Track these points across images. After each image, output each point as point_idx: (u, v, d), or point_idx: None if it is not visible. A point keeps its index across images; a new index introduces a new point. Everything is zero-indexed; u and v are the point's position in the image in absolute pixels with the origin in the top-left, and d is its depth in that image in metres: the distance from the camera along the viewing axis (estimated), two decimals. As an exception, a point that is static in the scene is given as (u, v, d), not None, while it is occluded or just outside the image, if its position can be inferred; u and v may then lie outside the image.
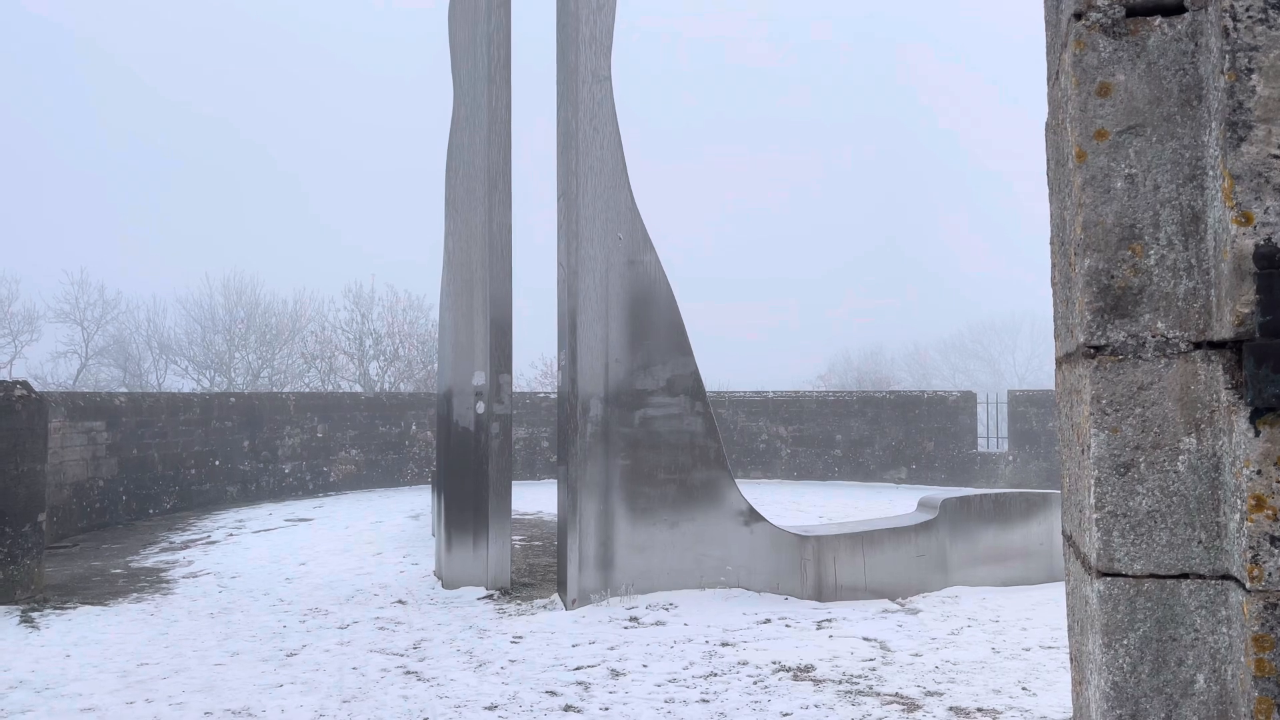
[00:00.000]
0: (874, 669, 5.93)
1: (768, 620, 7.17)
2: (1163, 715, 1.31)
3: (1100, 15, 1.34)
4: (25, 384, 8.11)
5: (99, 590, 8.65)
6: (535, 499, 15.20)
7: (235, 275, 37.65)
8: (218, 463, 15.70)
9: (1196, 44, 1.26)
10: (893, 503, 14.65)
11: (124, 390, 19.77)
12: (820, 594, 7.81)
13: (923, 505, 8.64)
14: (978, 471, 18.34)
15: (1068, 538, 1.71)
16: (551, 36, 8.44)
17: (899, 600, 7.83)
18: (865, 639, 6.63)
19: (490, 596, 8.09)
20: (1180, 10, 1.32)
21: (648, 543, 7.90)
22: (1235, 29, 1.19)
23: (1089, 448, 1.36)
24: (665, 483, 7.96)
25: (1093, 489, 1.35)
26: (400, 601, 7.99)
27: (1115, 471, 1.33)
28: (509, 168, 8.48)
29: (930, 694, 5.44)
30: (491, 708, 5.25)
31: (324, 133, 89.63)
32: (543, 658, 6.24)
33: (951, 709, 5.18)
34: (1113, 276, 1.33)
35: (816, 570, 7.82)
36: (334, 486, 17.61)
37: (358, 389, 33.40)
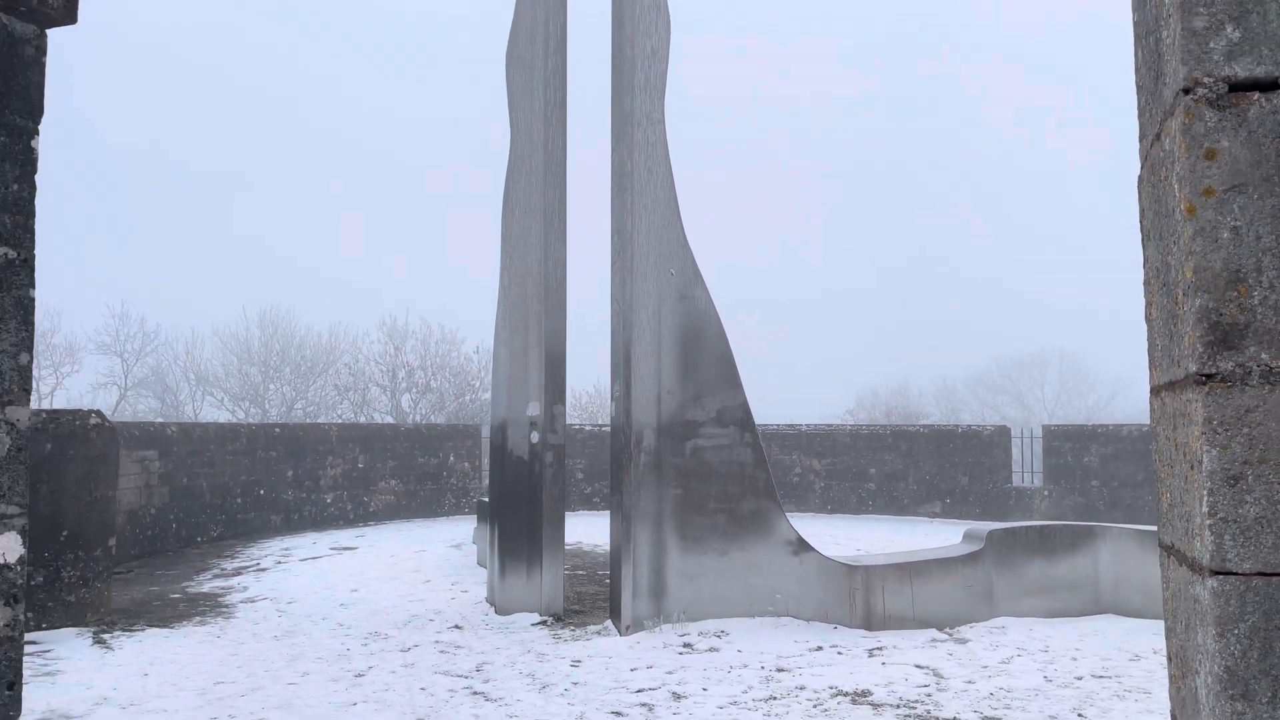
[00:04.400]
0: (929, 695, 6.06)
1: (819, 648, 7.31)
2: (1269, 694, 1.50)
3: (1205, 90, 1.57)
4: (99, 413, 8.43)
5: (163, 613, 8.91)
6: (573, 529, 15.35)
7: (271, 308, 38.31)
8: (262, 492, 16.01)
9: (1290, 115, 1.49)
10: (928, 537, 14.71)
11: (175, 422, 20.15)
12: (869, 623, 7.94)
13: (969, 536, 8.77)
14: (1012, 506, 18.35)
15: (1168, 548, 1.91)
16: (605, 78, 8.76)
17: (946, 630, 7.94)
18: (918, 666, 6.76)
19: (544, 622, 8.27)
20: (1275, 86, 1.54)
21: (699, 571, 8.07)
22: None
23: (1200, 463, 1.56)
24: (715, 512, 8.14)
25: (1205, 499, 1.55)
26: (457, 626, 8.19)
27: (1226, 483, 1.54)
28: (564, 206, 8.77)
29: (987, 719, 5.57)
30: (561, 727, 5.43)
31: (362, 167, 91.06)
32: (603, 680, 6.41)
33: (1010, 733, 5.31)
34: (1221, 314, 1.54)
35: (865, 599, 7.96)
36: (374, 516, 17.87)
37: (389, 420, 33.81)
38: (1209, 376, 1.54)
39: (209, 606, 9.30)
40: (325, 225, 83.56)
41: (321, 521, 16.99)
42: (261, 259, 69.17)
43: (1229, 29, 1.57)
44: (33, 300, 2.92)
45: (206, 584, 10.75)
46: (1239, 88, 1.55)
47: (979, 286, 72.60)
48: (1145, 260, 2.02)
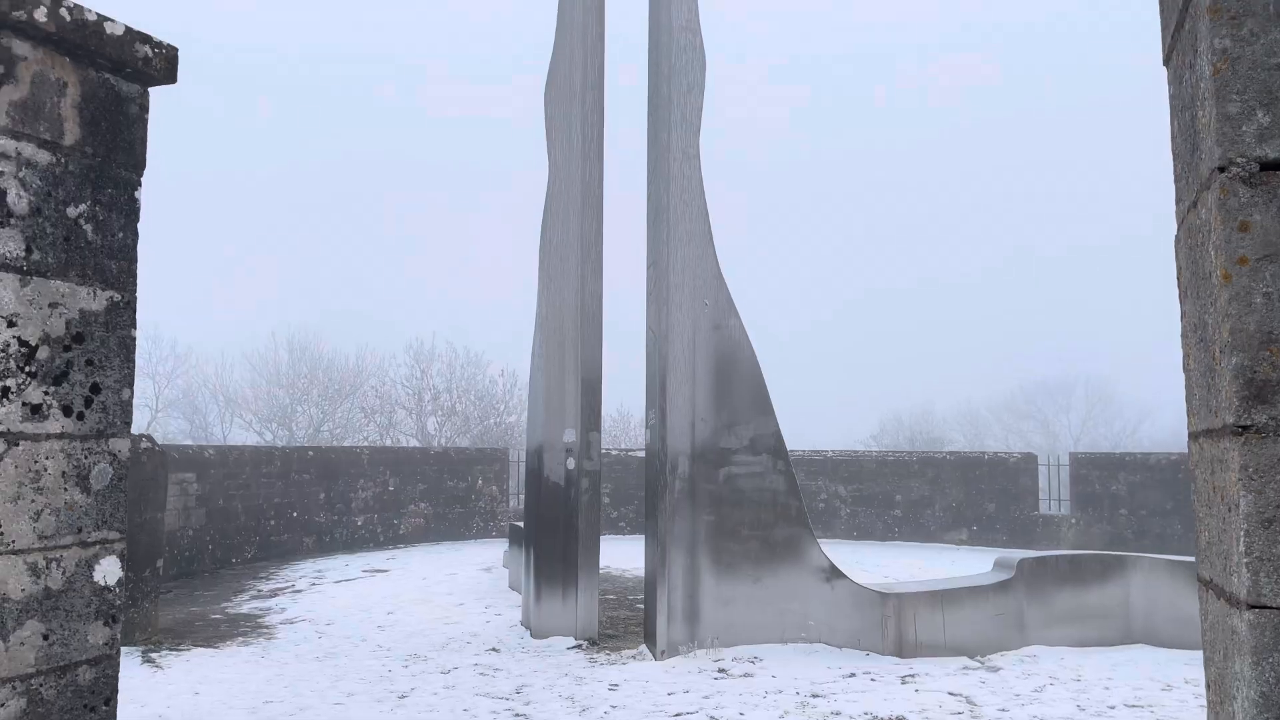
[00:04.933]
0: (963, 722, 6.16)
1: (852, 674, 7.41)
2: (1303, 719, 1.65)
3: (1239, 169, 1.73)
4: (149, 437, 8.69)
5: (206, 634, 9.12)
6: (601, 554, 15.48)
7: (300, 331, 38.81)
8: (295, 514, 16.26)
9: (1316, 191, 1.66)
10: (956, 564, 14.74)
11: (212, 445, 20.44)
12: (901, 650, 8.03)
13: (999, 565, 8.85)
14: (1039, 534, 18.32)
15: (1207, 582, 2.05)
16: (642, 111, 8.99)
17: (978, 658, 8.02)
18: (951, 694, 6.85)
19: (579, 646, 8.42)
20: (1303, 166, 1.71)
21: (732, 597, 8.20)
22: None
23: (1238, 506, 1.72)
24: (748, 539, 8.28)
25: (1242, 539, 1.70)
26: (494, 649, 8.35)
27: (1261, 525, 1.69)
28: (600, 238, 8.99)
29: (1022, 746, 5.66)
30: (604, 749, 5.57)
31: (391, 194, 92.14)
32: (641, 704, 6.55)
33: (1044, 760, 5.40)
34: (1255, 372, 1.70)
35: (897, 627, 8.05)
36: (404, 539, 18.08)
37: (414, 443, 34.10)
38: (1245, 428, 1.70)
39: (250, 627, 9.51)
40: (359, 249, 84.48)
41: (352, 544, 17.21)
42: (293, 282, 70.01)
43: (1260, 114, 1.74)
44: (134, 340, 3.15)
45: (245, 605, 10.97)
46: (1269, 167, 1.72)
47: (1003, 311, 72.38)
48: (1183, 315, 2.18)
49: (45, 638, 2.79)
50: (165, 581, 12.79)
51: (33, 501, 2.76)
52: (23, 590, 2.74)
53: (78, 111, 2.94)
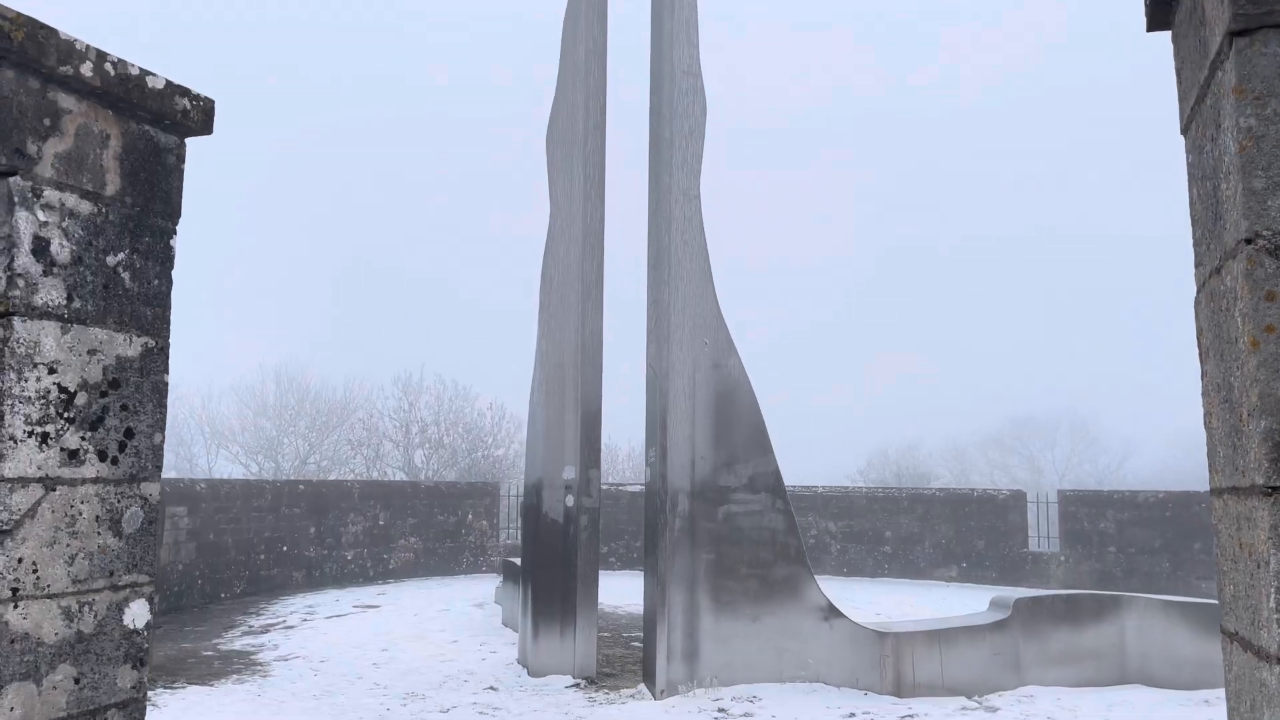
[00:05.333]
0: (965, 763, 6.18)
1: (852, 714, 7.42)
2: (1332, 769, 1.71)
3: (1265, 241, 1.82)
4: (147, 472, 8.67)
5: (199, 671, 9.04)
6: (594, 590, 15.46)
7: (288, 363, 38.71)
8: (285, 548, 16.15)
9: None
10: (946, 602, 14.77)
11: (204, 479, 20.35)
12: (899, 690, 8.05)
13: (995, 604, 8.90)
14: (1029, 571, 18.38)
15: (1232, 635, 2.12)
16: (643, 150, 9.12)
17: (975, 698, 8.05)
18: (951, 734, 6.87)
19: (578, 685, 8.39)
20: (1325, 240, 1.80)
21: (730, 635, 8.21)
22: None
23: (1268, 564, 1.79)
24: (747, 577, 8.31)
25: (1273, 595, 1.77)
26: (491, 688, 8.32)
27: (1291, 582, 1.76)
28: (601, 277, 9.09)
29: (1025, 788, 5.69)
30: (609, 790, 5.57)
31: (379, 229, 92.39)
32: (643, 745, 6.54)
33: (1048, 802, 5.43)
34: (1284, 435, 1.79)
35: (896, 666, 8.08)
36: (393, 574, 17.97)
37: (401, 476, 33.96)
38: (1274, 489, 1.78)
39: (244, 664, 9.44)
40: (344, 278, 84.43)
41: (342, 578, 17.10)
42: (280, 311, 69.89)
43: (1284, 190, 1.83)
44: (166, 385, 3.20)
45: (237, 641, 10.88)
46: (1294, 240, 1.81)
47: (987, 347, 72.90)
48: (1204, 374, 2.27)
49: (77, 681, 2.81)
50: (156, 617, 12.67)
51: (68, 546, 2.79)
52: (56, 634, 2.76)
53: (119, 162, 3.00)
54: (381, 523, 17.99)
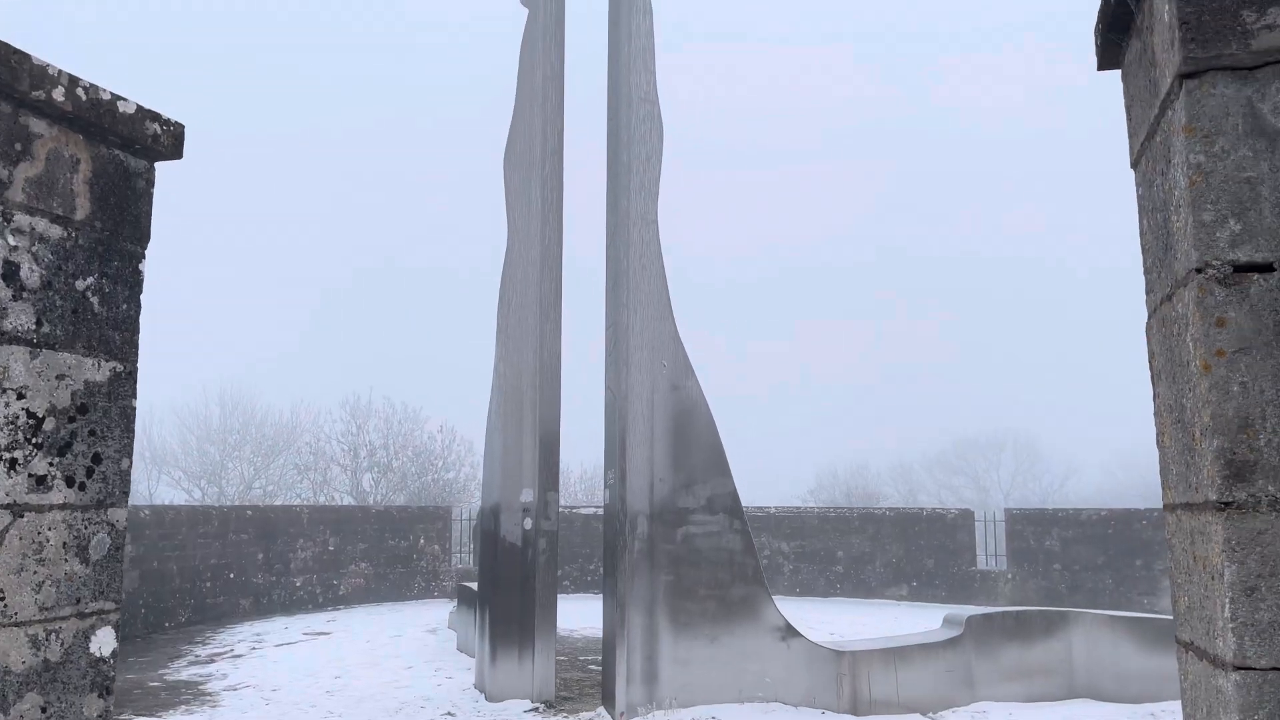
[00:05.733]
0: (923, 779, 6.27)
1: (810, 733, 7.49)
2: (1286, 770, 1.81)
3: (1214, 271, 1.94)
4: (95, 498, 8.48)
5: (147, 702, 8.83)
6: (548, 614, 15.38)
7: (232, 386, 38.03)
8: (232, 575, 15.84)
9: (1281, 292, 1.87)
10: (898, 620, 14.94)
11: (148, 505, 19.90)
12: (855, 708, 8.13)
13: (948, 622, 9.04)
14: (977, 589, 18.67)
15: (1187, 644, 2.22)
16: (601, 175, 9.21)
17: (930, 714, 8.16)
18: (908, 751, 6.97)
19: (536, 709, 8.36)
20: (1271, 269, 1.91)
21: (689, 657, 8.24)
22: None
23: (1222, 575, 1.89)
24: (706, 598, 8.35)
25: (1227, 606, 1.87)
26: (449, 714, 8.24)
27: (1244, 593, 1.86)
28: (559, 299, 9.12)
29: (981, 802, 5.79)
30: (572, 814, 5.55)
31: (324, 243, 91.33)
32: (605, 768, 6.53)
33: (1004, 816, 5.53)
34: (1234, 453, 1.88)
35: (852, 685, 8.17)
36: (344, 600, 17.70)
37: (349, 500, 33.48)
38: (1227, 504, 1.88)
39: (192, 695, 9.24)
40: (288, 302, 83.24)
41: (291, 605, 16.80)
42: (221, 335, 68.63)
43: (1231, 222, 1.95)
44: (134, 410, 3.18)
45: (184, 671, 10.64)
46: (1241, 269, 1.93)
47: (935, 369, 74.09)
48: (1156, 395, 2.38)
49: (44, 710, 2.77)
50: (97, 647, 12.34)
51: (35, 573, 2.75)
52: (23, 663, 2.72)
53: (89, 187, 2.99)
54: (331, 548, 17.73)
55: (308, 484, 35.67)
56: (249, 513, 16.76)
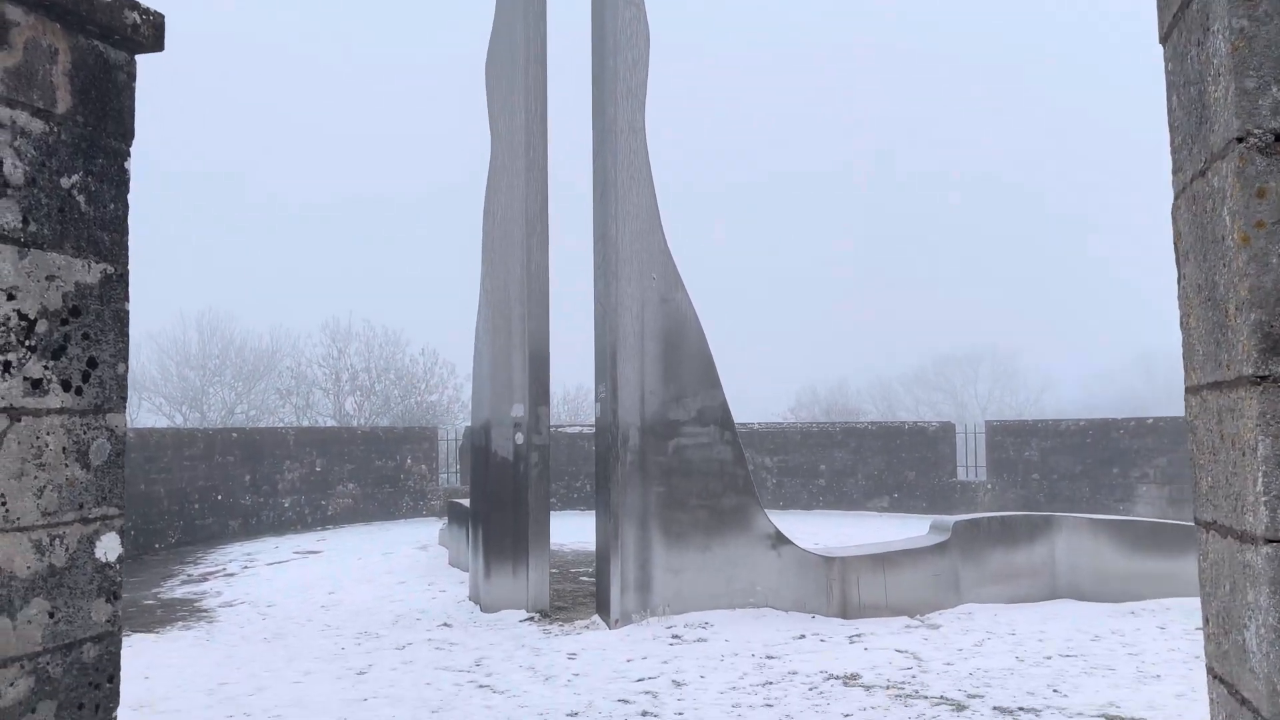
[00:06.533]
0: (914, 676, 6.42)
1: (802, 636, 7.64)
2: (1315, 641, 1.83)
3: (1256, 140, 1.88)
4: (80, 419, 8.39)
5: (144, 619, 8.89)
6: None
7: (210, 311, 37.63)
8: (220, 497, 15.86)
9: (1325, 159, 1.82)
10: (880, 530, 15.20)
11: (132, 428, 19.72)
12: (845, 612, 8.30)
13: (935, 528, 9.19)
14: (958, 500, 18.99)
15: (1209, 524, 2.23)
16: (586, 86, 8.98)
17: (918, 617, 8.34)
18: (898, 650, 7.13)
19: (532, 619, 8.47)
20: (1313, 138, 1.87)
21: (681, 565, 8.35)
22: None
23: (1255, 450, 1.88)
24: (697, 509, 8.43)
25: (1260, 479, 1.86)
26: (446, 624, 8.35)
27: (1278, 466, 1.85)
28: (546, 212, 8.97)
29: (972, 696, 5.94)
30: (574, 714, 5.66)
31: (306, 170, 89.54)
32: (602, 671, 6.65)
33: (996, 708, 5.69)
34: (1273, 326, 1.86)
35: (842, 589, 8.32)
36: (332, 520, 17.80)
37: (332, 423, 33.47)
38: (1263, 378, 1.86)
39: (188, 612, 9.30)
40: (270, 226, 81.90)
41: (280, 526, 16.88)
42: (203, 261, 67.60)
43: (1275, 89, 1.89)
44: (128, 313, 3.09)
45: (178, 590, 10.71)
46: (1283, 137, 1.88)
47: (913, 285, 74.30)
48: (1182, 277, 2.34)
49: (51, 615, 2.74)
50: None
51: (35, 478, 2.70)
52: (29, 568, 2.68)
53: (69, 79, 2.86)
54: (318, 469, 17.76)
55: (290, 408, 35.59)
56: (234, 435, 16.72)
